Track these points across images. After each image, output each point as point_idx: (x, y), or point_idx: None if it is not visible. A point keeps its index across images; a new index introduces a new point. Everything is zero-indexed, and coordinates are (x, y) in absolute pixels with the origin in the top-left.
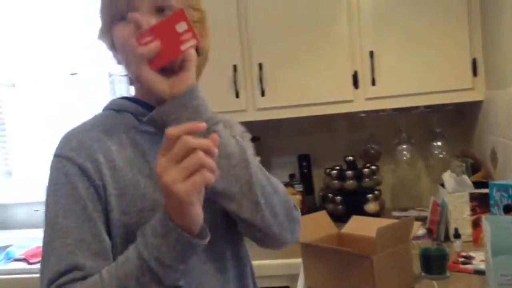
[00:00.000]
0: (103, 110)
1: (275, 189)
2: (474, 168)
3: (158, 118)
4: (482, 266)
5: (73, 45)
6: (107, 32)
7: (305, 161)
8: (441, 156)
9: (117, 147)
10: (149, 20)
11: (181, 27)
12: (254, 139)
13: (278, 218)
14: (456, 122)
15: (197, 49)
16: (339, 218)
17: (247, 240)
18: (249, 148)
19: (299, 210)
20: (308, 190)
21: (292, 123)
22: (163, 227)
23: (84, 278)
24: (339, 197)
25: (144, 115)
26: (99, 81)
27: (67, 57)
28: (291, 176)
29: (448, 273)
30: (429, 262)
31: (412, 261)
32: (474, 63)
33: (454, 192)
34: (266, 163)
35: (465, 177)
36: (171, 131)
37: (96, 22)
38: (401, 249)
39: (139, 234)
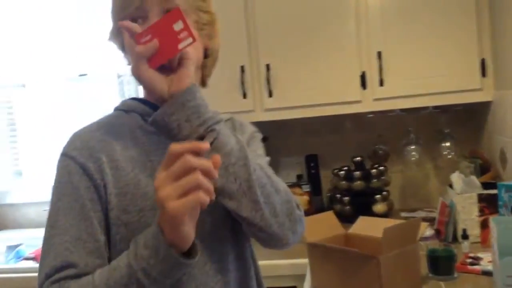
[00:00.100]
0: (114, 110)
1: (276, 188)
2: (483, 169)
3: (159, 120)
4: (490, 267)
5: (82, 47)
6: (118, 34)
7: (312, 162)
8: (449, 156)
9: (122, 147)
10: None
11: (178, 26)
12: (262, 140)
13: (279, 217)
14: (464, 122)
15: (206, 50)
16: (347, 219)
17: (255, 242)
18: (260, 148)
19: (302, 211)
20: (315, 190)
21: (300, 124)
22: (154, 239)
23: (77, 275)
24: (347, 198)
25: (151, 115)
26: (108, 82)
27: (77, 58)
28: (299, 177)
29: (455, 274)
30: (436, 263)
31: (420, 262)
32: (483, 64)
33: (462, 193)
34: (274, 164)
35: (474, 177)
36: (174, 147)
37: (104, 24)
38: (408, 250)
39: (133, 241)
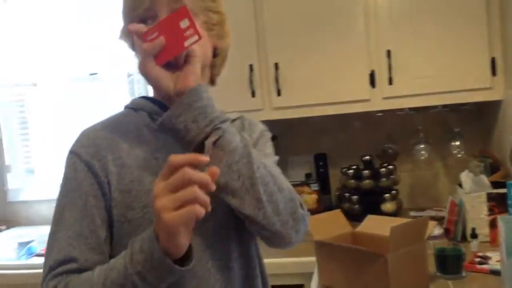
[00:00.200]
0: (124, 108)
1: (279, 186)
2: (493, 168)
3: (167, 122)
4: (498, 266)
5: (92, 46)
6: (128, 33)
7: (321, 161)
8: (459, 156)
9: (128, 145)
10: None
11: (184, 23)
12: (271, 139)
13: (281, 215)
14: (474, 121)
15: (216, 50)
16: (356, 218)
17: (260, 241)
18: (269, 147)
19: (306, 210)
20: (324, 189)
21: (309, 123)
22: (150, 243)
23: (78, 270)
24: (355, 197)
25: (158, 114)
26: (118, 80)
27: (87, 58)
28: (308, 176)
29: (464, 273)
30: (444, 262)
31: (427, 261)
32: (493, 62)
33: (471, 192)
34: (283, 163)
35: (483, 177)
36: (174, 159)
37: (115, 24)
38: (416, 248)
39: (130, 243)
